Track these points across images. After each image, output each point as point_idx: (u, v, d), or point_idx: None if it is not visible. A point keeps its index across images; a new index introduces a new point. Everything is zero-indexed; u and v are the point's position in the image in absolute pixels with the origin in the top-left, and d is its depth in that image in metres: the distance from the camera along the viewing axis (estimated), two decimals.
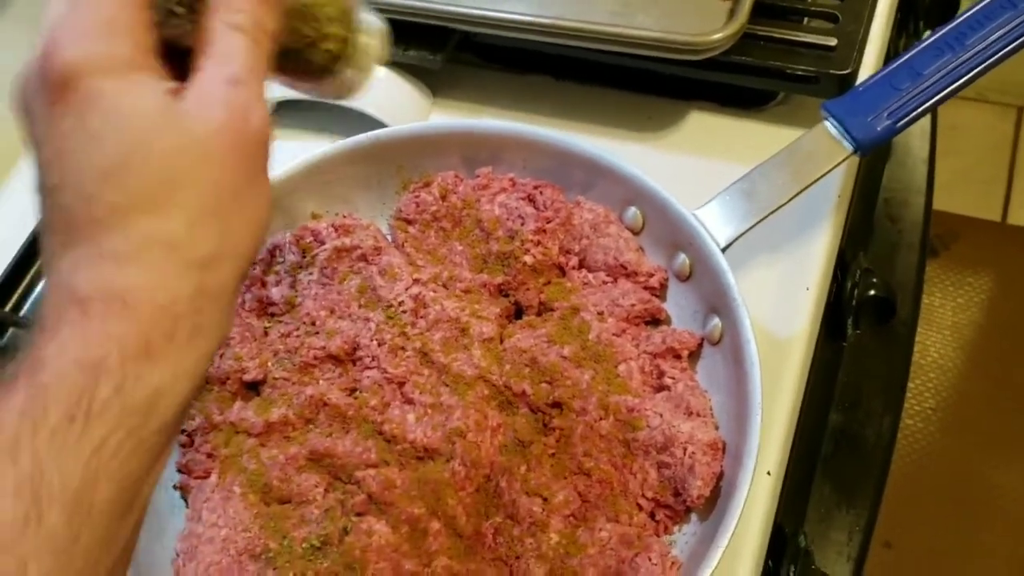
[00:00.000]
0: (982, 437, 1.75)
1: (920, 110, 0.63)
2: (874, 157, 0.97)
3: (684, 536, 0.60)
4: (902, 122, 0.64)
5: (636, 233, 0.69)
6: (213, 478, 0.64)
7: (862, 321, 0.81)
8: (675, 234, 0.66)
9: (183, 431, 0.66)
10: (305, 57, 0.44)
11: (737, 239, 0.64)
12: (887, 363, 0.90)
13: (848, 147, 0.65)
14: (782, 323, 0.71)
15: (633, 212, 0.69)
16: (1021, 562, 1.61)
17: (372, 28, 0.47)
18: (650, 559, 0.56)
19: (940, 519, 1.66)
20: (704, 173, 0.78)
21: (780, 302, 0.72)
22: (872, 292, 0.80)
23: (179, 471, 0.66)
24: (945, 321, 1.89)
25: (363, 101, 0.82)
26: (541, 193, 0.70)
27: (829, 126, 0.66)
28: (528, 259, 0.68)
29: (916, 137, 1.06)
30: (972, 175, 2.06)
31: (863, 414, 0.87)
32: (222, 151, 0.37)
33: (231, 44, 0.39)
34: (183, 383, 0.37)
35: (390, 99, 0.83)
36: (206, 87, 0.38)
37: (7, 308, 0.83)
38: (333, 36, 0.44)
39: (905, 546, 1.61)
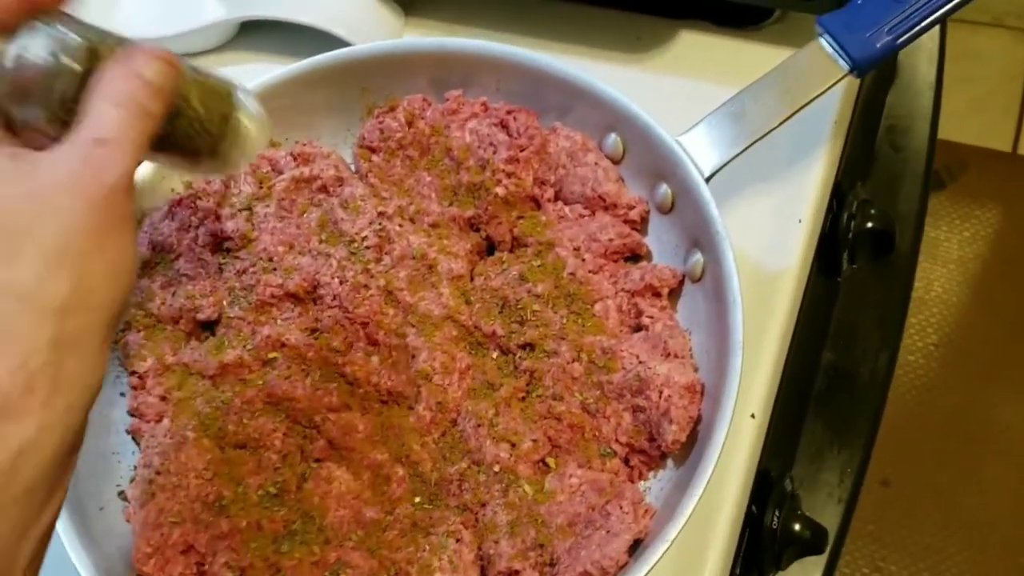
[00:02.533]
0: (984, 373, 1.72)
1: (923, 24, 0.58)
2: (877, 81, 0.91)
3: (659, 482, 0.56)
4: (903, 38, 0.59)
5: (616, 162, 0.65)
6: (166, 422, 0.61)
7: (858, 255, 0.77)
8: (657, 162, 0.62)
9: (134, 373, 0.63)
10: (184, 143, 0.47)
11: (723, 167, 0.60)
12: (885, 297, 0.86)
13: (844, 66, 0.60)
14: (772, 257, 0.67)
15: (613, 139, 0.64)
16: (1022, 498, 1.59)
17: (253, 113, 0.50)
18: (621, 507, 0.53)
19: (940, 456, 1.64)
20: (694, 97, 0.73)
21: (770, 235, 0.68)
22: (870, 224, 0.75)
23: (131, 415, 0.62)
24: (950, 255, 1.84)
25: (328, 20, 0.77)
26: (515, 119, 0.65)
27: (824, 43, 0.61)
28: (500, 191, 0.63)
29: (923, 60, 1.00)
30: (984, 103, 1.99)
31: (859, 351, 0.83)
32: (71, 200, 0.37)
33: (106, 114, 0.40)
34: (50, 438, 0.35)
35: (358, 18, 0.78)
36: (67, 145, 0.39)
37: None
38: (213, 126, 0.48)
39: (904, 483, 1.59)
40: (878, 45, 0.59)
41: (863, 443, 0.80)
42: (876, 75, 0.90)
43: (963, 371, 1.73)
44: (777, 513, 0.65)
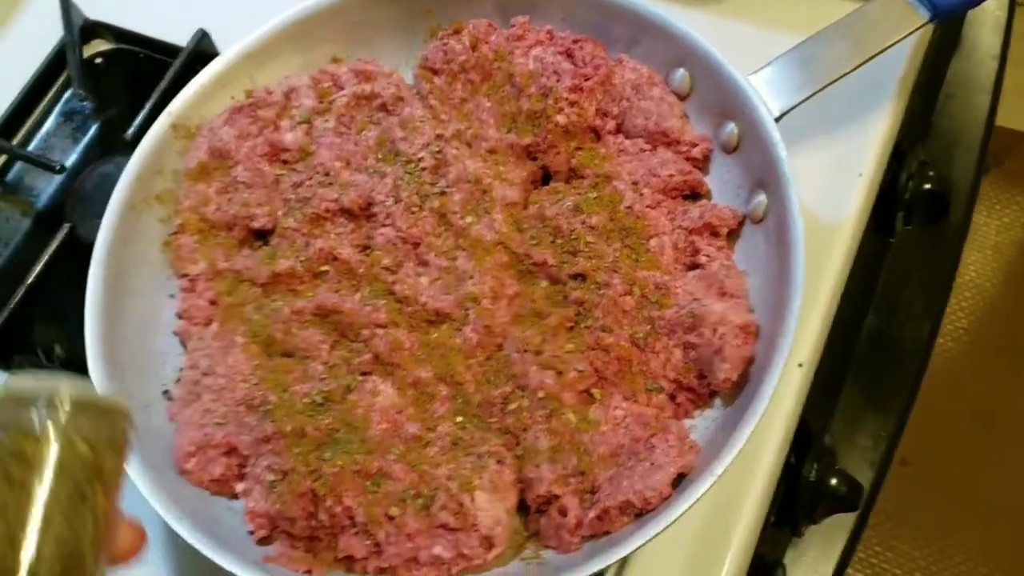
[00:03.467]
0: (1012, 360, 1.70)
1: None
2: (940, 47, 0.89)
3: (705, 421, 0.56)
4: None
5: (682, 98, 0.64)
6: (214, 326, 0.61)
7: (913, 217, 0.76)
8: (725, 100, 0.61)
9: (185, 275, 0.63)
10: None
11: (792, 109, 0.59)
12: (933, 266, 0.85)
13: (924, 14, 0.59)
14: (829, 208, 0.66)
15: (681, 74, 0.63)
16: None
17: None
18: (667, 440, 0.52)
19: (960, 440, 1.63)
20: (760, 43, 0.71)
21: (829, 186, 0.67)
22: (927, 186, 0.74)
23: (179, 317, 0.63)
24: (988, 240, 1.81)
25: None
26: (581, 48, 0.64)
27: None
28: (561, 119, 0.62)
29: (988, 31, 0.98)
30: None
31: (902, 317, 0.83)
32: None
33: None
34: None
35: None
36: None
37: (14, 142, 0.79)
38: None
39: (923, 465, 1.58)
40: None
41: (899, 410, 0.79)
42: (941, 38, 0.88)
43: (991, 357, 1.71)
44: (815, 466, 0.65)
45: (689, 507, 0.49)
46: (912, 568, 1.56)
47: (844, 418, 0.77)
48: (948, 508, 1.58)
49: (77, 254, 0.71)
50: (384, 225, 0.62)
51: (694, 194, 0.63)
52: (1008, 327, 1.74)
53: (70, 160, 0.79)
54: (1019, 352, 1.71)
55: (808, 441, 0.66)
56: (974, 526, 1.56)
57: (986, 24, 0.96)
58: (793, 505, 0.65)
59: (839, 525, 0.73)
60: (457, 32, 0.66)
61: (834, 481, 0.65)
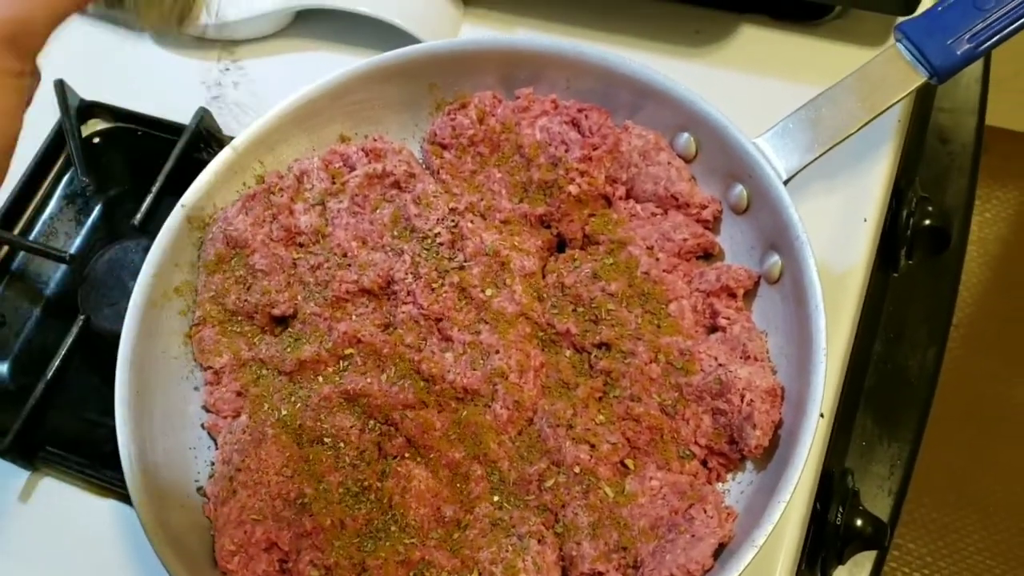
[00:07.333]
0: (1004, 355, 1.73)
1: (1006, 32, 0.58)
2: None
3: (739, 485, 0.57)
4: (985, 46, 0.58)
5: (688, 161, 0.65)
6: (243, 418, 0.61)
7: (915, 252, 0.77)
8: (732, 163, 0.62)
9: (209, 368, 0.63)
10: None
11: (801, 171, 0.60)
12: (934, 293, 0.86)
13: (923, 73, 0.60)
14: (838, 256, 0.67)
15: (686, 138, 0.64)
16: None
17: None
18: (705, 511, 0.53)
19: (958, 438, 1.65)
20: (757, 94, 0.73)
21: (836, 234, 0.68)
22: (928, 222, 0.75)
23: (206, 410, 0.63)
24: (971, 236, 1.84)
25: (387, 9, 0.76)
26: (586, 117, 0.65)
27: (902, 49, 0.61)
28: (572, 189, 0.63)
29: None
30: (1006, 85, 1.97)
31: (907, 345, 0.84)
32: None
33: None
34: None
35: (417, 8, 0.77)
36: None
37: (17, 229, 0.79)
38: None
39: (921, 465, 1.60)
40: (959, 53, 0.59)
41: (912, 436, 0.81)
42: None
43: (981, 352, 1.74)
44: (840, 509, 0.66)
45: None
46: (921, 565, 1.58)
47: (859, 450, 0.78)
48: (949, 506, 1.60)
49: (93, 344, 0.72)
50: (405, 303, 0.62)
51: (707, 255, 0.64)
52: (996, 321, 1.76)
53: (75, 246, 0.79)
54: (1008, 345, 1.74)
55: (829, 483, 0.67)
56: (976, 523, 1.59)
57: None
58: (820, 549, 0.66)
59: (862, 558, 0.74)
60: (463, 106, 0.67)
61: (859, 522, 0.66)
